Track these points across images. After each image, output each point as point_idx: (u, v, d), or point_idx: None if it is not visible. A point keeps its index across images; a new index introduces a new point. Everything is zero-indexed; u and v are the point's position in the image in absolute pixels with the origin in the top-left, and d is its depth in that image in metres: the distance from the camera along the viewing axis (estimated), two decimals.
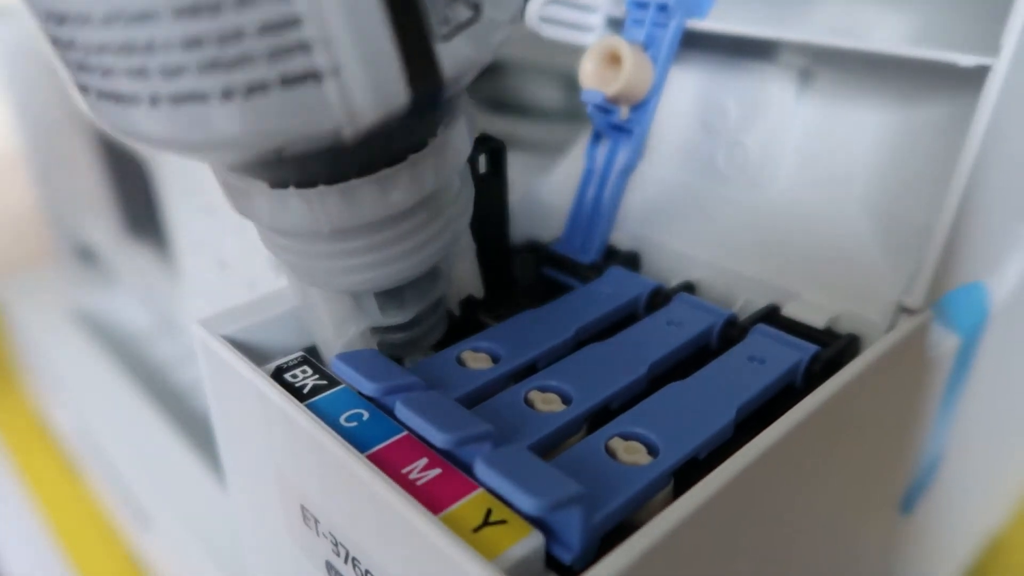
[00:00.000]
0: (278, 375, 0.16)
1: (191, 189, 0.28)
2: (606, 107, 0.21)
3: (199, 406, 0.34)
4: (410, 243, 0.15)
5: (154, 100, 0.11)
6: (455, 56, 0.12)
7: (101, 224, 0.39)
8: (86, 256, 0.45)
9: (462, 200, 0.16)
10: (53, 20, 0.11)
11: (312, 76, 0.11)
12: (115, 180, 0.35)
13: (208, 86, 0.11)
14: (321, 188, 0.13)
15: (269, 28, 0.10)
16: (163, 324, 0.39)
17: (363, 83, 0.11)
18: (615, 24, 0.23)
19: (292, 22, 0.11)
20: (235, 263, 0.27)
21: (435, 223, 0.15)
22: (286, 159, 0.12)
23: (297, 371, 0.16)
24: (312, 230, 0.14)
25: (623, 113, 0.21)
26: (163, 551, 0.32)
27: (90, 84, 0.12)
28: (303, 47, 0.11)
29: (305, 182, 0.13)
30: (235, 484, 0.19)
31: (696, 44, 0.22)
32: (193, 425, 0.33)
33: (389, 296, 0.16)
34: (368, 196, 0.13)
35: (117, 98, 0.12)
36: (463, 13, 0.12)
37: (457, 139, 0.14)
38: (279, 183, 0.13)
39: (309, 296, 0.16)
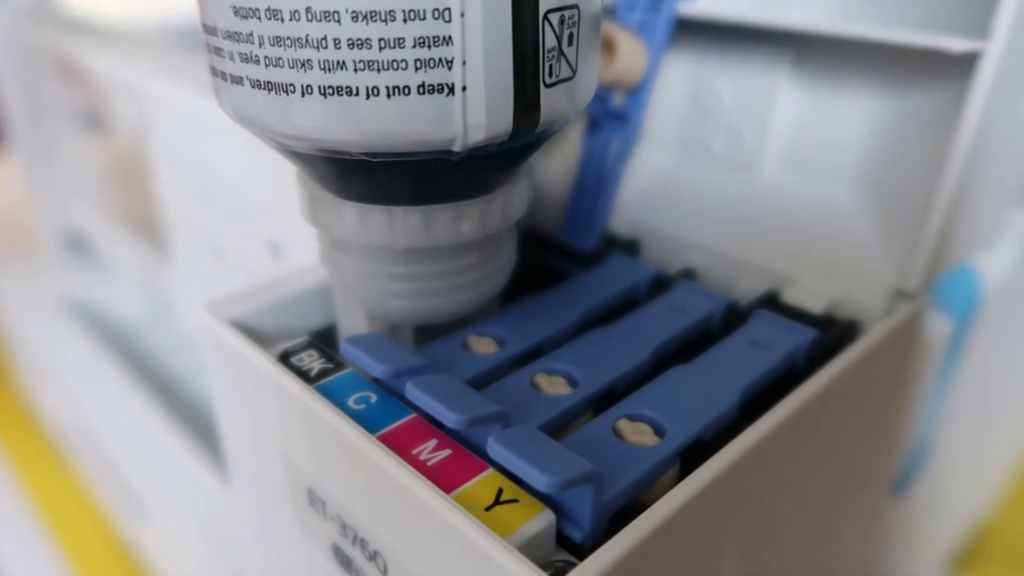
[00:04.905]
0: (284, 359, 0.16)
1: (186, 177, 0.28)
2: (601, 94, 0.21)
3: (193, 394, 0.34)
4: (460, 280, 0.16)
5: (306, 91, 0.13)
6: (552, 104, 0.14)
7: (93, 212, 0.39)
8: (77, 245, 0.45)
9: (506, 255, 0.17)
10: (239, 14, 0.13)
11: (446, 89, 0.12)
12: (107, 168, 0.35)
13: (359, 83, 0.12)
14: (404, 207, 0.15)
15: (425, 41, 0.12)
16: (156, 312, 0.39)
17: (482, 105, 0.13)
18: (607, 10, 0.23)
19: (445, 40, 0.12)
20: (232, 252, 0.27)
21: (484, 267, 0.16)
22: (380, 173, 0.14)
23: (303, 355, 0.16)
24: (388, 245, 0.15)
25: (618, 99, 0.21)
26: (158, 539, 0.32)
27: (248, 74, 0.13)
28: (446, 62, 0.12)
29: (390, 200, 0.15)
30: (237, 468, 0.19)
31: (689, 29, 0.22)
32: (186, 413, 0.33)
33: (424, 334, 0.17)
34: (443, 221, 0.15)
35: (272, 87, 0.13)
36: (565, 70, 0.14)
37: (519, 193, 0.16)
38: (364, 200, 0.15)
39: (356, 319, 0.18)
